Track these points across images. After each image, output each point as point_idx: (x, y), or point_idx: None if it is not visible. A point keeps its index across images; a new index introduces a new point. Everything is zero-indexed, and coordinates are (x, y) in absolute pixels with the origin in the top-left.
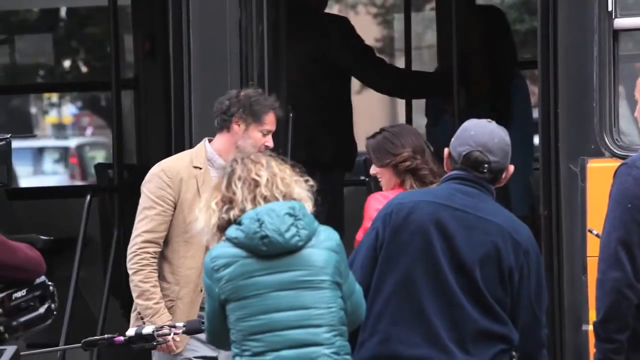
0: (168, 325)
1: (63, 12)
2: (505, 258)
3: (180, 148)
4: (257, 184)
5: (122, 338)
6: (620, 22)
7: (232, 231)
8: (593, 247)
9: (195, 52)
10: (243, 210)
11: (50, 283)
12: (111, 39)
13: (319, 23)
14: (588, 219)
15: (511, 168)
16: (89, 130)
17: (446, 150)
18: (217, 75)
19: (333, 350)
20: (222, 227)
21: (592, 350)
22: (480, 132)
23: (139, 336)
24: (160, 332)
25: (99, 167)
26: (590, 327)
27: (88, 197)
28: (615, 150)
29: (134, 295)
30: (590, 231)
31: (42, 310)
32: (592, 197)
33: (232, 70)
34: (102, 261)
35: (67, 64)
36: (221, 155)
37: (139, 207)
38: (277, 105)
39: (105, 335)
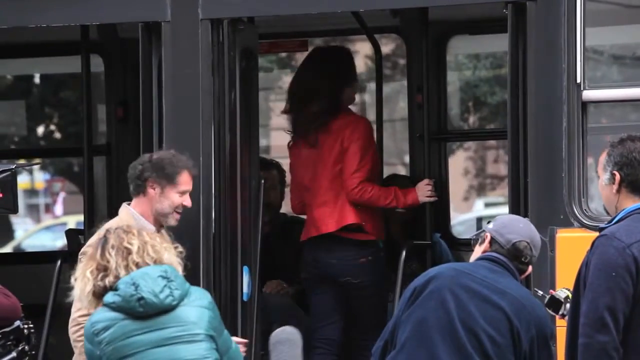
0: None
1: (37, 78)
2: (516, 325)
3: None
4: (129, 252)
5: None
6: (588, 94)
7: (109, 297)
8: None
9: (168, 118)
10: (117, 277)
11: (26, 325)
12: (84, 105)
13: None
14: (557, 288)
15: (530, 268)
16: (61, 196)
17: (488, 234)
18: (189, 141)
19: None
20: (98, 294)
21: None
22: (528, 227)
23: None
24: None
25: (69, 232)
26: None
27: (58, 263)
28: (584, 221)
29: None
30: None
31: (14, 354)
32: (560, 267)
33: (204, 136)
34: None
35: (40, 130)
36: (146, 219)
37: None
38: (191, 164)
39: None
